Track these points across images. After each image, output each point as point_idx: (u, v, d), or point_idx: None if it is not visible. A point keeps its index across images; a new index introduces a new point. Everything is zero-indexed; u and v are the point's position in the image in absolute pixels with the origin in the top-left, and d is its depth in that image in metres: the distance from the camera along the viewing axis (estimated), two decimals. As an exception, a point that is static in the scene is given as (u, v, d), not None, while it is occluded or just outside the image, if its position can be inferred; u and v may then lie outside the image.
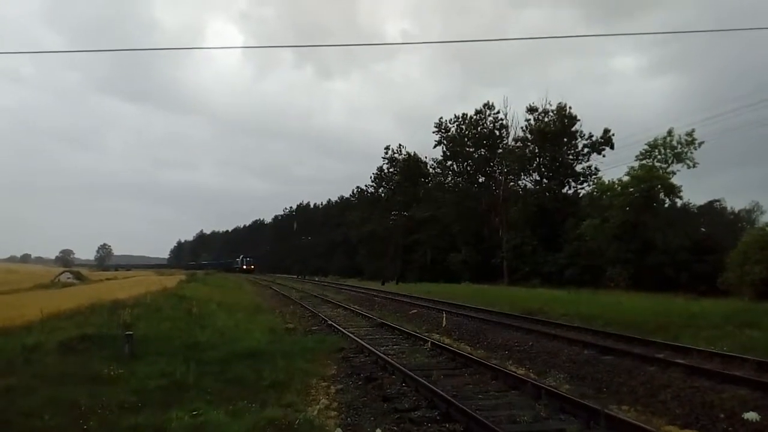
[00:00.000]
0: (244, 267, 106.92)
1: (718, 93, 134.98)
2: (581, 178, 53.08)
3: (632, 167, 41.30)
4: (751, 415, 7.42)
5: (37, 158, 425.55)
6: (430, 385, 8.76)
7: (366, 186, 79.12)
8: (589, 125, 62.49)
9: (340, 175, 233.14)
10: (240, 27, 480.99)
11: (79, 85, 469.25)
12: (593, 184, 48.26)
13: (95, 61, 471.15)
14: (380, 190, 76.28)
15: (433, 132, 62.35)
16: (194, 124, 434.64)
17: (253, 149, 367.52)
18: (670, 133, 41.32)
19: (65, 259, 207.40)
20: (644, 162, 41.47)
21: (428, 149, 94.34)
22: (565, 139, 52.75)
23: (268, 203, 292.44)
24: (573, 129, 52.54)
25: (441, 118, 62.06)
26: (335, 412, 7.98)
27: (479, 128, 58.95)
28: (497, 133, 58.13)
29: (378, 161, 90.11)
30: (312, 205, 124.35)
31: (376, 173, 75.96)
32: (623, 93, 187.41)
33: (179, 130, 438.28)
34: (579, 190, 52.89)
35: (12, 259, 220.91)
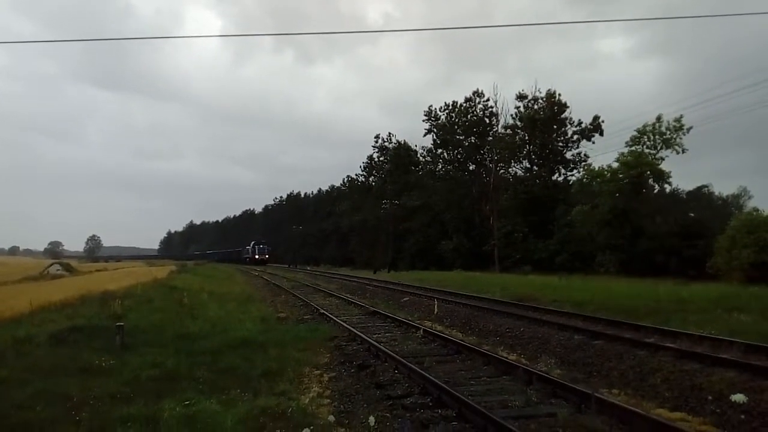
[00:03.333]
0: (257, 256, 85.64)
1: (706, 75, 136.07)
2: (571, 165, 53.51)
3: (622, 153, 41.56)
4: (739, 397, 7.53)
5: (16, 149, 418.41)
6: (423, 372, 8.80)
7: (357, 175, 79.18)
8: (577, 108, 62.85)
9: (326, 164, 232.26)
10: (217, 11, 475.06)
11: (55, 73, 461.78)
12: (583, 171, 48.49)
13: (69, 49, 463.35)
14: (371, 179, 76.22)
15: (423, 120, 62.44)
16: (175, 112, 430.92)
17: (237, 138, 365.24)
18: (658, 119, 41.57)
19: (54, 251, 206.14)
20: (633, 148, 41.67)
21: (415, 135, 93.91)
22: (555, 126, 52.95)
23: (255, 193, 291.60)
24: (562, 116, 52.73)
25: (431, 106, 62.13)
26: (328, 400, 8.01)
27: (469, 116, 58.96)
28: (487, 120, 58.18)
29: (364, 149, 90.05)
30: (303, 195, 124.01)
31: (367, 162, 75.94)
32: (611, 75, 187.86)
33: (160, 118, 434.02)
34: (569, 177, 53.33)
35: (0, 252, 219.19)
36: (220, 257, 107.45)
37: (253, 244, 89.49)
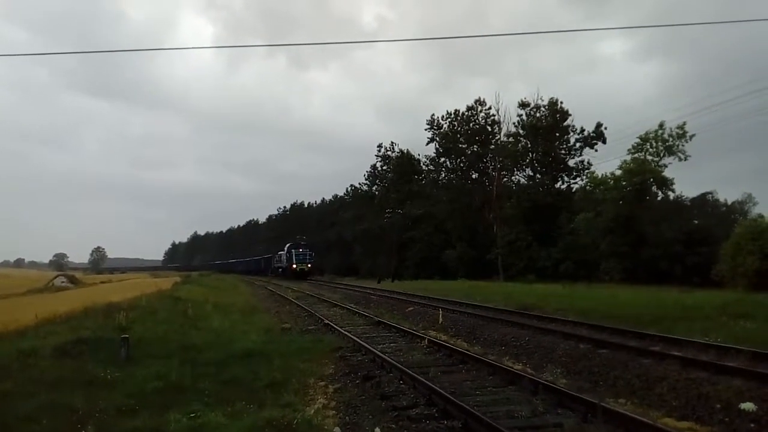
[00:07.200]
0: (295, 266, 59.77)
1: (709, 78, 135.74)
2: (574, 173, 53.45)
3: (624, 161, 41.63)
4: (748, 406, 7.47)
5: (16, 159, 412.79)
6: (428, 382, 8.77)
7: (360, 184, 79.28)
8: (578, 112, 62.77)
9: (325, 171, 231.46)
10: (208, 16, 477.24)
11: (48, 82, 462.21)
12: (586, 179, 48.51)
13: (62, 57, 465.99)
14: (374, 188, 76.32)
15: (426, 129, 62.60)
16: (171, 120, 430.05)
17: (235, 146, 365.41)
18: (661, 126, 41.65)
19: (59, 262, 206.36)
20: (636, 155, 41.71)
21: (413, 141, 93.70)
22: (558, 134, 53.04)
23: (257, 201, 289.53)
24: (565, 124, 52.83)
25: (433, 115, 62.40)
26: (333, 411, 7.99)
27: (471, 124, 59.07)
28: (489, 129, 58.27)
29: (362, 155, 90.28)
30: (306, 204, 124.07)
31: (370, 171, 76.10)
32: (611, 78, 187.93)
33: (156, 127, 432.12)
34: (572, 185, 53.32)
35: (5, 264, 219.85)
36: (242, 268, 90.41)
37: (289, 248, 62.87)
